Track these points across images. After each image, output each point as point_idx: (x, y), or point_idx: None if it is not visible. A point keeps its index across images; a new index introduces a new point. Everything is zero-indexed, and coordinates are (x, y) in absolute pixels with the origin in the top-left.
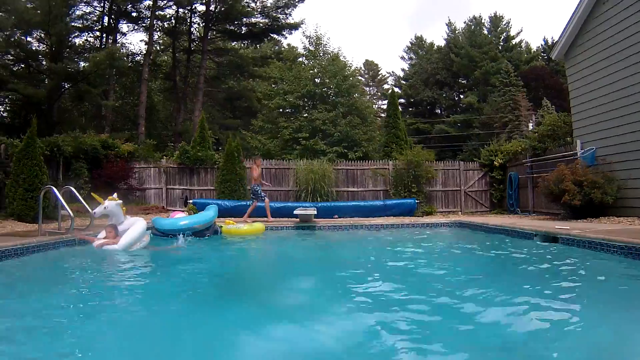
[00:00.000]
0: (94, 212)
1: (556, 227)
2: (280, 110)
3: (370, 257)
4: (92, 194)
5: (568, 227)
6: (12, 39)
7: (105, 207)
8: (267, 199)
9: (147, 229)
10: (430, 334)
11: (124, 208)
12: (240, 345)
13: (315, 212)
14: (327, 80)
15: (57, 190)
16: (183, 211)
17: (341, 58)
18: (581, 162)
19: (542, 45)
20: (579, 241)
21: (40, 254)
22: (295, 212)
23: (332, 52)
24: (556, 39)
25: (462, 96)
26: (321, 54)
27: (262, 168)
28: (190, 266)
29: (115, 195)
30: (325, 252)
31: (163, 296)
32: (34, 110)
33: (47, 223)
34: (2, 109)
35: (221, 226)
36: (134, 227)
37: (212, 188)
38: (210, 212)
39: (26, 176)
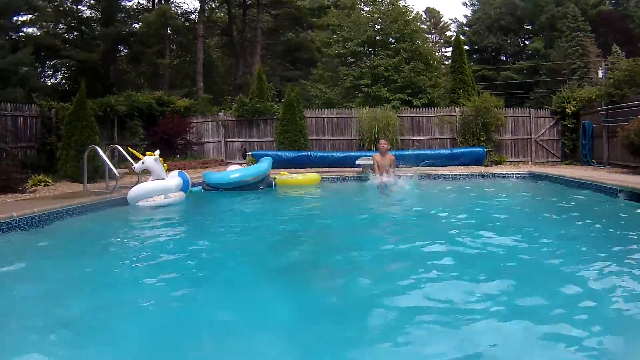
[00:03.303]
0: (134, 168)
1: None
2: (341, 59)
3: (444, 212)
4: (129, 148)
5: None
6: (62, 8)
7: (143, 162)
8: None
9: (197, 185)
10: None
11: (165, 165)
12: None
13: None
14: (388, 26)
15: (103, 149)
16: (241, 164)
17: (401, 3)
18: None
19: None
20: None
21: (84, 215)
22: (357, 162)
23: None
24: None
25: (527, 42)
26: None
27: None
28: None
29: (157, 152)
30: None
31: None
32: (89, 74)
33: (100, 182)
34: (60, 76)
35: (275, 177)
36: (155, 181)
37: (271, 139)
38: (263, 164)
39: (77, 138)
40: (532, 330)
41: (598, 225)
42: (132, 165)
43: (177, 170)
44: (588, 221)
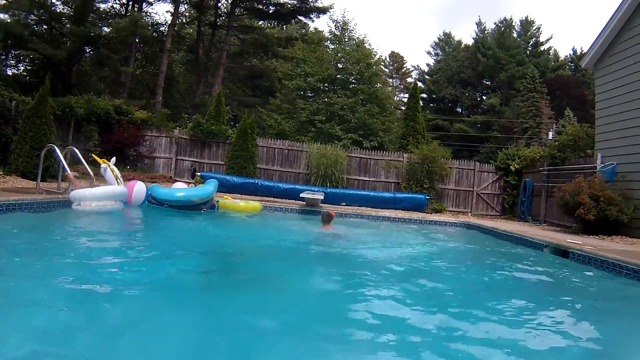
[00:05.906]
0: (102, 171)
1: (568, 240)
2: (301, 92)
3: (372, 251)
4: (92, 154)
5: (580, 242)
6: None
7: (104, 170)
8: None
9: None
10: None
11: (114, 173)
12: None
13: (323, 197)
14: (350, 66)
15: (60, 150)
16: (189, 183)
17: (366, 45)
18: (600, 176)
19: (570, 54)
20: (591, 258)
21: (32, 212)
22: (301, 195)
23: (357, 38)
24: (586, 49)
25: (484, 97)
26: (346, 39)
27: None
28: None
29: (113, 160)
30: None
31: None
32: (52, 71)
33: (52, 182)
34: (22, 68)
35: (218, 201)
36: (101, 187)
37: (221, 163)
38: (209, 187)
39: (34, 134)
40: None
41: (516, 274)
42: (92, 172)
43: (139, 182)
44: (506, 269)
